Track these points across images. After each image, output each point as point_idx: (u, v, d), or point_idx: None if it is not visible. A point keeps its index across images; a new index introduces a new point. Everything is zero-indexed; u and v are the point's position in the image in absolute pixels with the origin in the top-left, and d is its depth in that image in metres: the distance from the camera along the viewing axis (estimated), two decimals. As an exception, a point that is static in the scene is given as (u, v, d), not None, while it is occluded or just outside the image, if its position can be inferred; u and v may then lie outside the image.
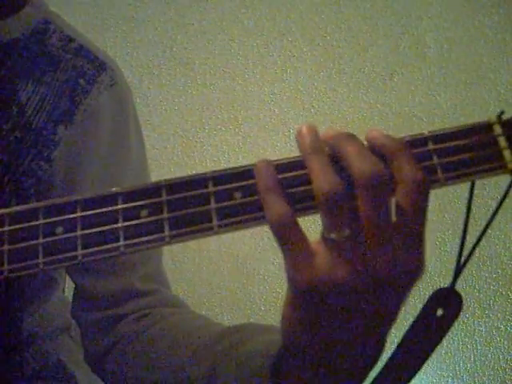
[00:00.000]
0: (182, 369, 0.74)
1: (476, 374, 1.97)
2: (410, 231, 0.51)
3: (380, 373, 0.56)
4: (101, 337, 0.86)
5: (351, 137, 0.52)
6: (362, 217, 0.50)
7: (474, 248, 0.56)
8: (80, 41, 0.87)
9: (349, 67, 1.98)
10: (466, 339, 1.97)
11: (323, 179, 0.50)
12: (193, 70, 1.96)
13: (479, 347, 1.97)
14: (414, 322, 0.56)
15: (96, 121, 0.85)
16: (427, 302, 0.56)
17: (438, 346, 0.55)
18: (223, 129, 1.95)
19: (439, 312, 0.56)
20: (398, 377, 0.56)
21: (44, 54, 0.84)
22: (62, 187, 0.83)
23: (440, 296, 0.56)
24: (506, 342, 1.97)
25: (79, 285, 0.88)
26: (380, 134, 0.53)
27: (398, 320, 0.54)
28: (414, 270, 0.51)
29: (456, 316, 0.56)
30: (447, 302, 0.56)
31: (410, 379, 0.56)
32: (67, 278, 0.96)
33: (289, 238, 0.51)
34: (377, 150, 0.53)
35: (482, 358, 1.97)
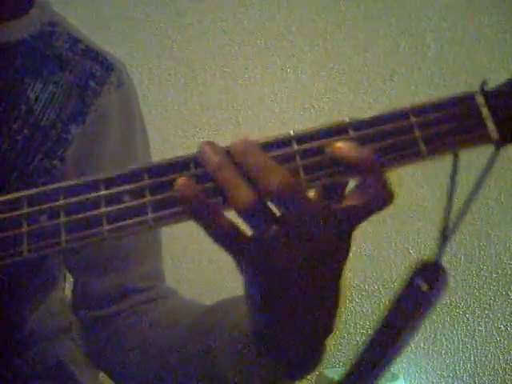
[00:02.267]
0: (182, 348, 0.74)
1: (476, 374, 1.97)
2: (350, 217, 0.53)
3: (364, 348, 0.55)
4: (99, 333, 0.86)
5: (253, 150, 0.53)
6: (283, 218, 0.53)
7: (460, 217, 0.54)
8: (86, 42, 0.88)
9: (349, 67, 1.98)
10: (466, 339, 1.97)
11: (236, 193, 0.52)
12: (193, 70, 1.96)
13: (479, 347, 1.97)
14: (396, 296, 0.55)
15: (106, 121, 0.87)
16: (410, 276, 0.55)
17: (423, 323, 0.54)
18: (223, 129, 1.95)
19: (424, 287, 0.54)
20: (382, 354, 0.54)
21: (52, 55, 0.85)
22: None
23: (424, 270, 0.55)
24: (506, 342, 1.97)
25: (79, 282, 0.89)
26: (347, 147, 0.52)
27: (381, 295, 0.54)
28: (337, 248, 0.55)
29: (441, 291, 0.54)
30: (432, 277, 0.54)
31: (394, 356, 0.54)
32: (67, 277, 0.96)
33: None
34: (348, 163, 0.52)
35: (482, 358, 1.97)
